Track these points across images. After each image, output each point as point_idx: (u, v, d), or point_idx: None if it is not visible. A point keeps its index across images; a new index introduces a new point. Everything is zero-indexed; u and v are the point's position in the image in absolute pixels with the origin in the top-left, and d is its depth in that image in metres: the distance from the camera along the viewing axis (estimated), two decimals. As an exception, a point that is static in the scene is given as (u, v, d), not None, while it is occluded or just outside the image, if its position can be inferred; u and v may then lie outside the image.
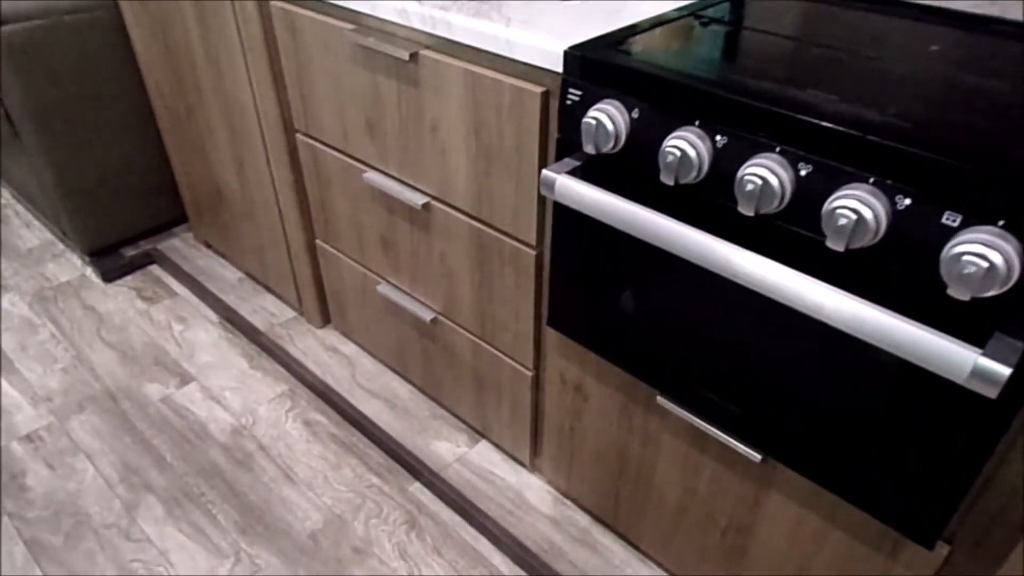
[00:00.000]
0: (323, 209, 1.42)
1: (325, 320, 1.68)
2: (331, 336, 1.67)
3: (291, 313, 1.74)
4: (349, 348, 1.64)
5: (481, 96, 0.95)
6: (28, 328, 1.69)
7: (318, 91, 1.23)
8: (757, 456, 0.86)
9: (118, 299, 1.79)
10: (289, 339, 1.66)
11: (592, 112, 0.78)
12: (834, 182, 0.64)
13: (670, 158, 0.72)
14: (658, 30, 0.87)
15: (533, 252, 1.03)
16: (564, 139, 0.86)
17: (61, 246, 1.97)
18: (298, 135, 1.36)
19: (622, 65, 0.77)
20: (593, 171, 0.84)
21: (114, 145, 1.77)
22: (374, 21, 1.06)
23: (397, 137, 1.13)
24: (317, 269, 1.58)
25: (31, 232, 2.03)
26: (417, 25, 0.98)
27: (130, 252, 1.92)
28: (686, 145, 0.71)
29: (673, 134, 0.73)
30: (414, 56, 1.01)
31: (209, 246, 1.96)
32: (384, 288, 1.36)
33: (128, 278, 1.86)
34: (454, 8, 0.95)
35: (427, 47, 1.00)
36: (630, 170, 0.80)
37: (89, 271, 1.88)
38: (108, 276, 1.84)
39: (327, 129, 1.27)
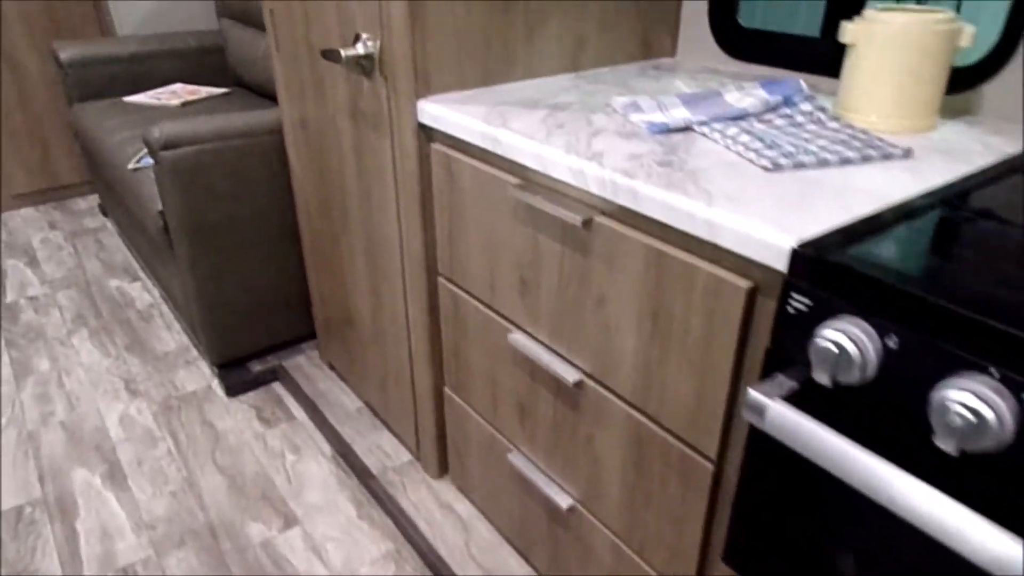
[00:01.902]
0: (457, 358, 1.30)
1: (443, 471, 1.53)
2: (447, 491, 1.51)
3: (407, 456, 1.60)
4: (465, 508, 1.47)
5: (665, 277, 0.80)
6: (148, 440, 1.65)
7: (469, 238, 1.13)
8: None
9: (237, 417, 1.73)
10: (401, 487, 1.52)
11: (828, 331, 0.60)
12: None
13: (958, 421, 0.52)
14: (908, 224, 0.69)
15: (711, 466, 0.83)
16: (776, 352, 0.68)
17: (194, 353, 1.98)
18: (440, 278, 1.26)
19: (880, 280, 0.59)
20: (819, 401, 0.65)
21: (257, 262, 1.77)
22: (543, 178, 0.95)
23: (554, 302, 1.00)
24: (441, 417, 1.44)
25: (170, 335, 2.06)
26: (595, 190, 0.85)
27: (256, 367, 1.89)
28: (979, 404, 0.51)
29: (954, 381, 0.53)
30: (587, 223, 0.88)
31: (332, 368, 1.90)
32: (516, 458, 1.20)
33: (251, 394, 1.81)
34: (641, 175, 0.81)
35: (603, 213, 0.87)
36: (878, 415, 0.61)
37: (215, 383, 1.85)
38: (232, 390, 1.80)
39: (473, 278, 1.16)
